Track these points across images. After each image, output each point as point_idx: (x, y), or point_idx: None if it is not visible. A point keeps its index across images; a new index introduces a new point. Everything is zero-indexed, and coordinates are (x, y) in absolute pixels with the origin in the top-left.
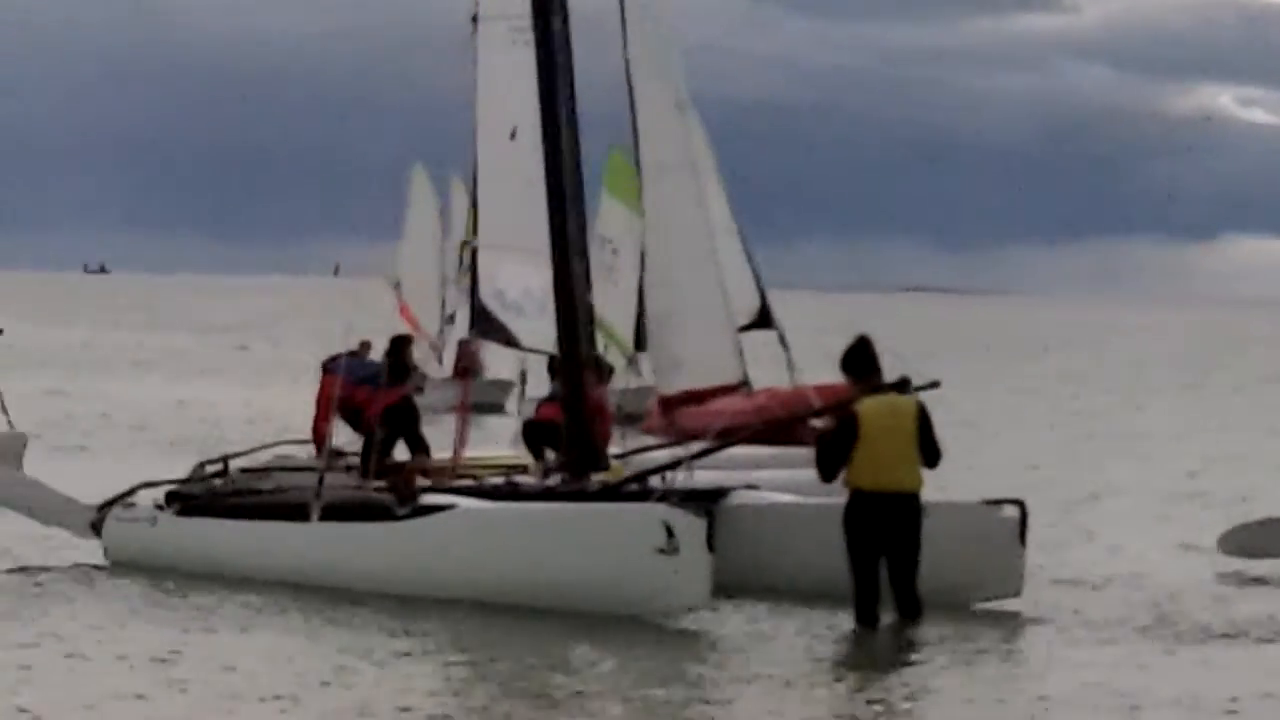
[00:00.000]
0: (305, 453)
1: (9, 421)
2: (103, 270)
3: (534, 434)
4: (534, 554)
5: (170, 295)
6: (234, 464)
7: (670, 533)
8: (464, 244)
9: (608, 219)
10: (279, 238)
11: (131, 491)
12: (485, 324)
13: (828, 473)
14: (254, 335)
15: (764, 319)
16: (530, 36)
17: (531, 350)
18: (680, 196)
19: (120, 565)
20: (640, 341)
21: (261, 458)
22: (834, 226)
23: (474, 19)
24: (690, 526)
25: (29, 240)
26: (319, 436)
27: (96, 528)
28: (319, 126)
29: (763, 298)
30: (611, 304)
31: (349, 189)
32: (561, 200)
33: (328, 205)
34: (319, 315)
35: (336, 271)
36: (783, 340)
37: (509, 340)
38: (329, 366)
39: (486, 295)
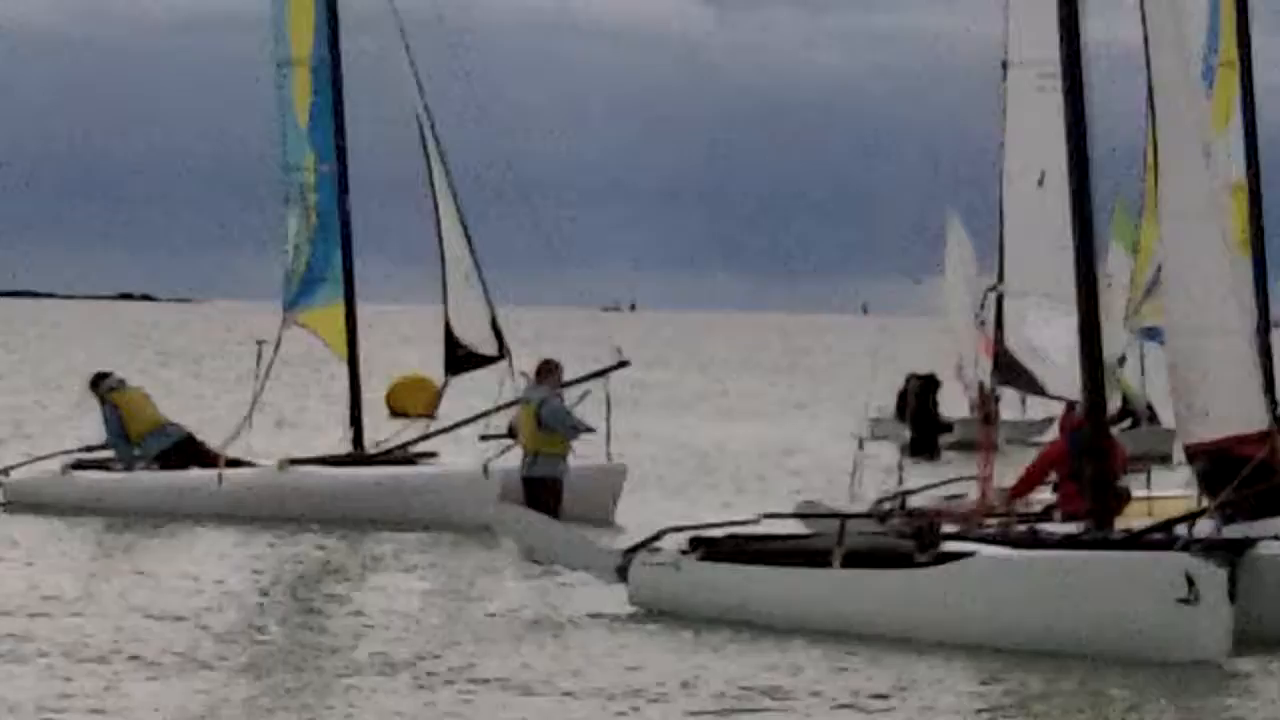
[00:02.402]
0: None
1: (609, 454)
2: (632, 308)
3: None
4: (1051, 601)
5: (697, 333)
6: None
7: (1191, 583)
8: (989, 289)
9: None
10: (806, 274)
11: (657, 536)
12: (1010, 371)
13: None
14: (780, 372)
15: None
16: (1057, 84)
17: (1055, 397)
18: (1198, 243)
19: (644, 609)
20: None
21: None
22: None
23: (1003, 65)
24: (1212, 577)
25: (561, 278)
26: (1026, 483)
27: (622, 573)
28: (846, 165)
29: None
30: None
31: (878, 226)
32: (1090, 247)
33: (855, 243)
34: (845, 353)
35: (865, 310)
36: None
37: (1034, 387)
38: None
39: (1012, 342)
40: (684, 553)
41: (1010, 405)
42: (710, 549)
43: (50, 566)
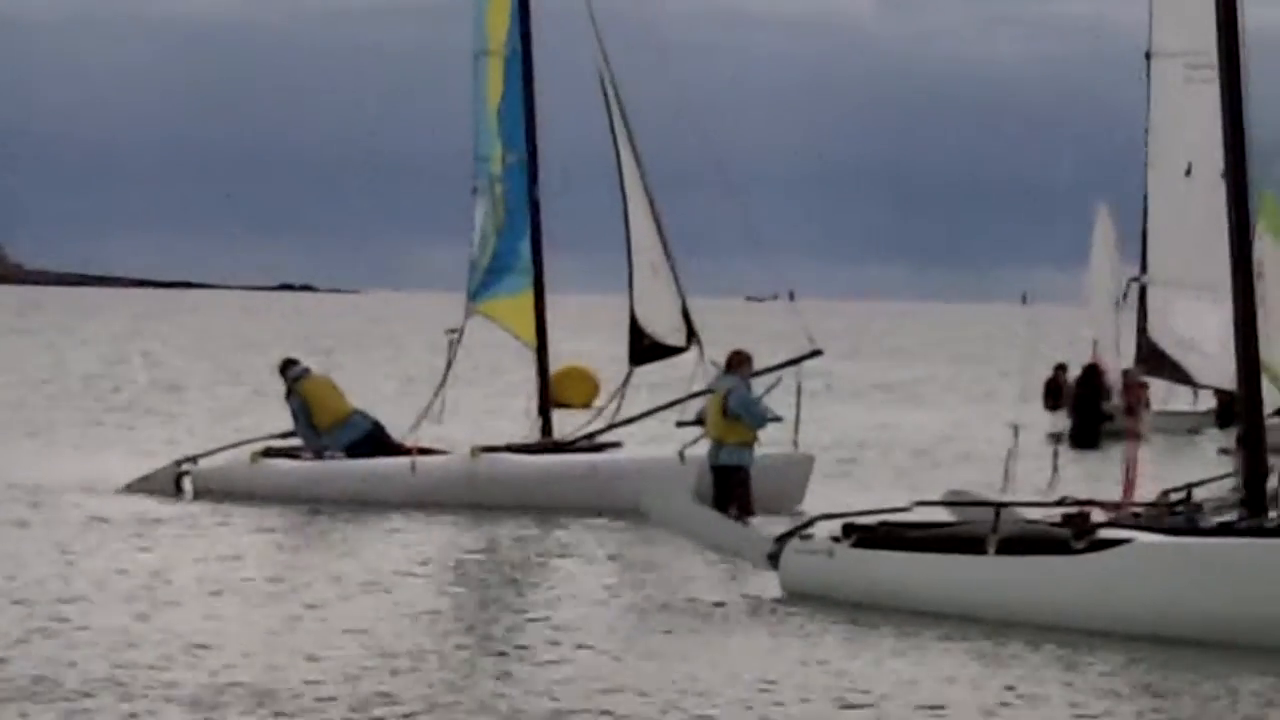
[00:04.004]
0: None
1: (795, 442)
2: (791, 297)
3: None
4: (1208, 590)
5: (858, 322)
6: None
7: None
8: (1131, 280)
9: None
10: (967, 264)
11: (810, 523)
12: (1155, 361)
13: None
14: (940, 361)
15: None
16: (1206, 74)
17: (1206, 387)
18: None
19: (795, 596)
20: None
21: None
22: None
23: (1147, 55)
24: None
25: (712, 268)
26: None
27: (774, 559)
28: (1009, 154)
29: None
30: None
31: (1036, 216)
32: (1247, 238)
33: (1014, 232)
34: (1006, 341)
35: (1025, 299)
36: None
37: (1181, 377)
38: None
39: (1157, 332)
40: (836, 540)
41: (1184, 398)
42: (863, 536)
43: (238, 556)
